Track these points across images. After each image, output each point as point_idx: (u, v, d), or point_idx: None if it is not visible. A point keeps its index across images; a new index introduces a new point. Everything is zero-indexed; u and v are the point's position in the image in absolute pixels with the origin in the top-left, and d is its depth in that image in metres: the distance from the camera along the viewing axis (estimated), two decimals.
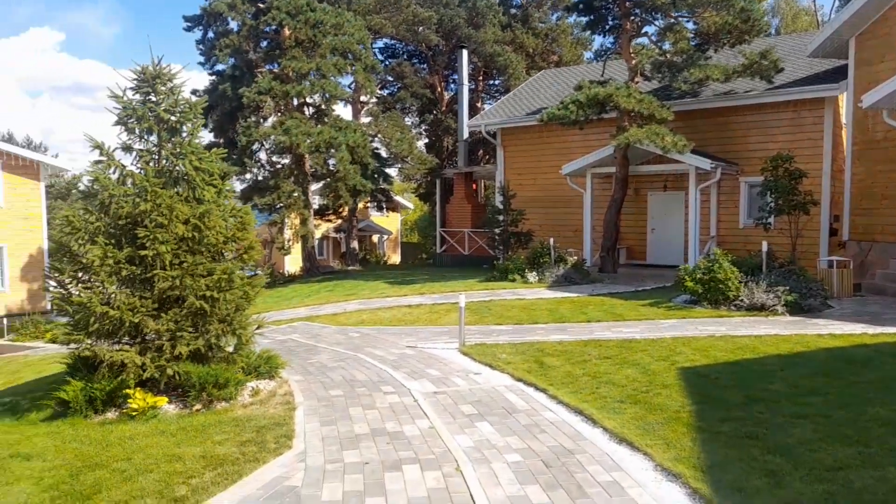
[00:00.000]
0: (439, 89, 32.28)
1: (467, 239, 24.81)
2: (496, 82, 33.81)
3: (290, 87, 21.81)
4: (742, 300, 11.26)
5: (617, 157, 16.62)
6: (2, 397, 8.43)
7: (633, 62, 16.65)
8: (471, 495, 4.55)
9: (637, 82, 16.70)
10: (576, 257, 17.19)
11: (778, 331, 9.39)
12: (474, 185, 26.26)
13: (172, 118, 7.43)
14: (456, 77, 30.08)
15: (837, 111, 15.72)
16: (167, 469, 5.15)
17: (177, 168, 7.40)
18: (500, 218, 19.83)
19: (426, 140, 32.48)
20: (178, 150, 7.32)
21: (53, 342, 17.78)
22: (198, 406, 6.81)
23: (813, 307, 10.84)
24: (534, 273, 16.72)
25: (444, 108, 31.91)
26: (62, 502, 4.64)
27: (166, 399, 6.85)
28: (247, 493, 4.67)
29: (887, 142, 13.34)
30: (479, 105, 31.61)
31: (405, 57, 32.39)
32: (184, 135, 7.60)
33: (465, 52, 25.47)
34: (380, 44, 33.16)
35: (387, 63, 30.98)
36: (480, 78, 33.01)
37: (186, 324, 6.92)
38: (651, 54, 16.27)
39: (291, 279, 25.39)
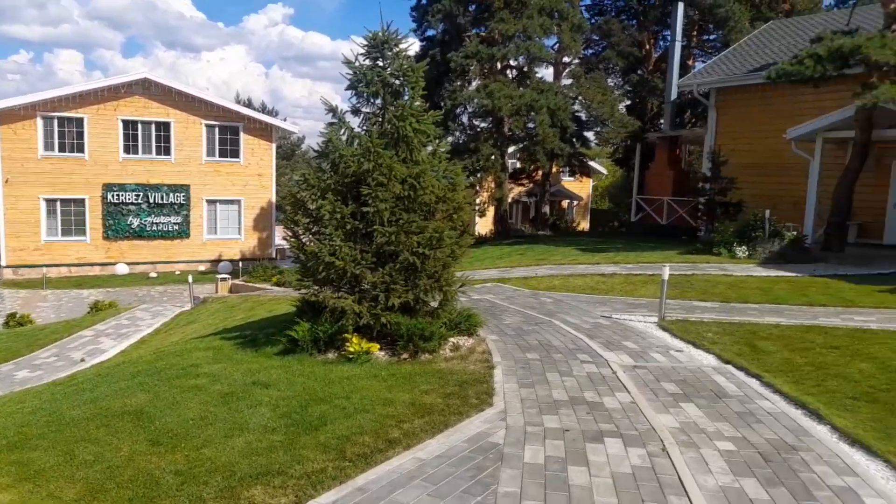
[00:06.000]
0: (647, 47, 30.35)
1: (666, 208, 23.41)
2: (712, 37, 30.93)
3: (495, 49, 21.99)
4: None
5: (857, 119, 14.44)
6: (243, 331, 9.76)
7: (892, 6, 14.17)
8: (680, 480, 4.34)
9: (895, 30, 14.24)
10: (794, 232, 15.44)
11: None
12: (678, 151, 24.58)
13: (396, 82, 7.84)
14: (667, 33, 28.06)
15: None
16: (381, 411, 5.59)
17: (398, 130, 7.79)
18: (707, 186, 18.42)
19: (628, 102, 30.91)
20: (400, 112, 7.71)
21: (279, 285, 20.20)
22: (405, 355, 7.30)
23: None
24: (743, 247, 15.36)
25: (650, 68, 30.02)
26: (294, 430, 5.25)
27: (378, 346, 7.43)
28: (452, 444, 4.91)
29: None
30: (689, 63, 29.18)
31: (613, 13, 30.87)
32: (405, 98, 7.99)
33: (680, 5, 23.60)
34: (587, 0, 32.05)
35: (593, 21, 29.79)
36: (694, 33, 30.41)
37: (399, 278, 7.39)
38: None
39: (483, 241, 26.07)
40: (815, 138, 16.00)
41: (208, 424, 5.39)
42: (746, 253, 15.18)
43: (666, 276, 9.46)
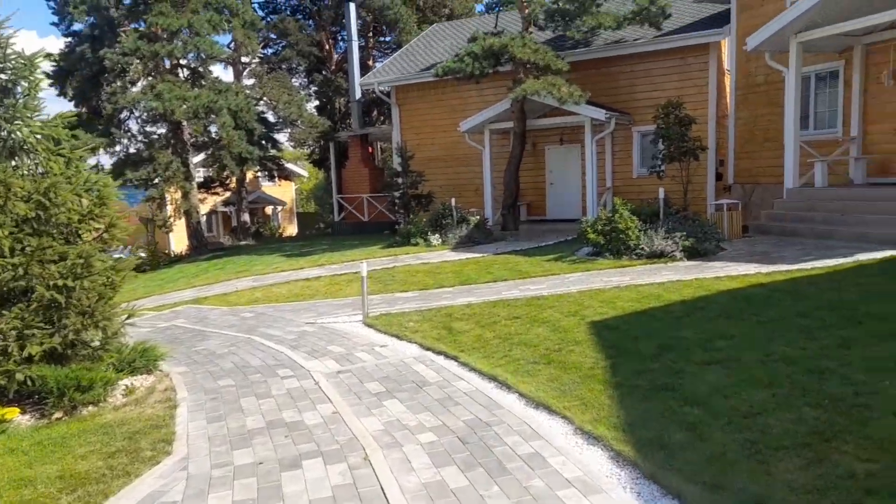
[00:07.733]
0: (328, 47, 30.66)
1: (366, 205, 23.99)
2: (387, 39, 32.61)
3: (159, 46, 19.75)
4: (643, 248, 11.35)
5: (514, 111, 16.34)
6: None
7: (527, 11, 16.30)
8: (381, 488, 4.04)
9: (531, 32, 16.41)
10: (478, 217, 16.91)
11: (679, 276, 9.48)
12: (370, 148, 25.33)
13: (2, 76, 6.22)
14: (345, 34, 28.68)
15: (721, 57, 16.14)
16: (12, 498, 4.28)
17: (12, 136, 6.23)
18: (400, 181, 19.20)
19: (316, 102, 30.90)
20: (11, 113, 6.14)
21: None
22: (58, 414, 5.85)
23: (708, 250, 11.08)
24: (437, 235, 16.32)
25: (333, 68, 30.40)
26: None
27: (18, 410, 5.84)
28: None
29: (768, 85, 13.82)
30: (370, 63, 30.36)
31: (288, 12, 30.41)
32: (18, 96, 6.41)
33: (352, 6, 24.18)
34: None
35: (268, 19, 28.93)
36: (370, 34, 31.69)
37: (36, 319, 5.88)
38: (543, 2, 15.98)
39: (177, 259, 23.67)
40: (483, 130, 17.73)
41: None
42: (440, 240, 16.15)
43: (365, 273, 9.36)
